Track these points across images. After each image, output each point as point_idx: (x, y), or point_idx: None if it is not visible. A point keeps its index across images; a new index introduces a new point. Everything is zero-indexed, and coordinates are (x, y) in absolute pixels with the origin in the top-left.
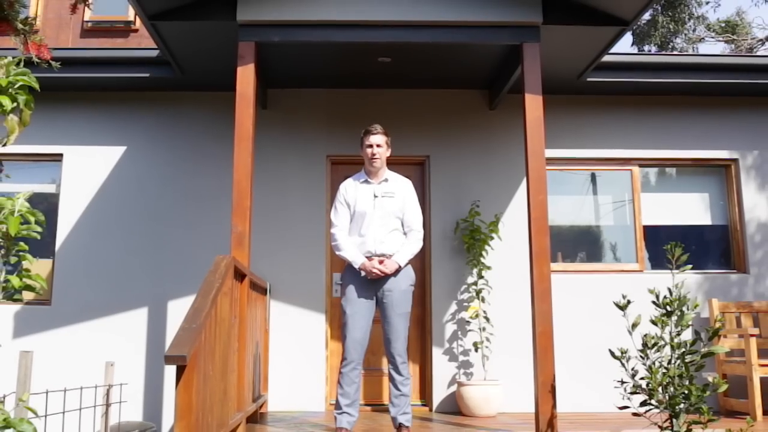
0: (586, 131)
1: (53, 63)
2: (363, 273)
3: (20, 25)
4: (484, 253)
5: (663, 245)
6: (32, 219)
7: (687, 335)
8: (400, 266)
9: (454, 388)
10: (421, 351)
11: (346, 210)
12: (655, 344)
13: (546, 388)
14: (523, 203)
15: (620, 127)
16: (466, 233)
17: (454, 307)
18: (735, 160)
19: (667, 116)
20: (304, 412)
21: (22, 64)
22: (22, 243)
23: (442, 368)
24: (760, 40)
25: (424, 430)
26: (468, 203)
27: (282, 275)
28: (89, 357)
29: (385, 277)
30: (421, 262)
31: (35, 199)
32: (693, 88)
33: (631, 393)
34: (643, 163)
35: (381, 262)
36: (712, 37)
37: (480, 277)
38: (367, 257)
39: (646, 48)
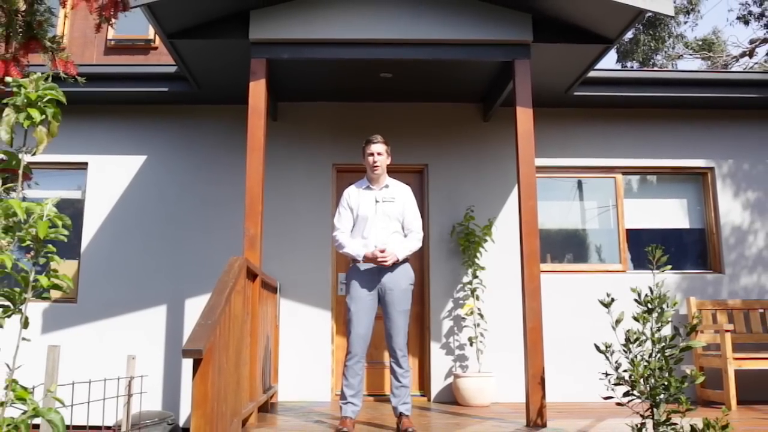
0: (573, 141)
1: (79, 78)
2: (364, 267)
3: (48, 43)
4: (478, 254)
5: (644, 247)
6: (59, 223)
7: (666, 331)
8: (398, 258)
9: (450, 379)
10: (420, 345)
11: (348, 214)
12: (637, 339)
13: (536, 380)
14: (514, 208)
15: (605, 137)
16: (462, 236)
17: (450, 305)
18: (711, 169)
19: (648, 127)
20: (312, 402)
21: (50, 79)
22: (50, 245)
23: (439, 361)
24: (735, 57)
25: (423, 419)
26: (463, 208)
27: (291, 275)
28: (112, 351)
29: (387, 276)
30: (420, 262)
31: (62, 205)
32: (672, 101)
33: (615, 384)
34: (626, 171)
35: (382, 251)
36: (690, 54)
37: (474, 276)
38: (369, 257)
39: (628, 64)
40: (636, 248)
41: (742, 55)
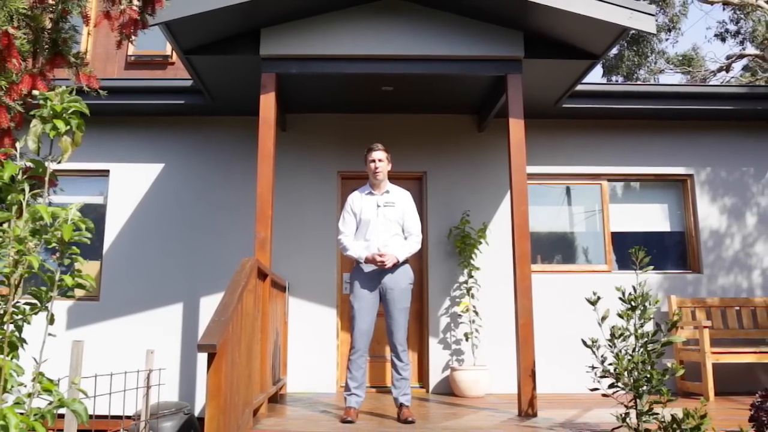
0: (561, 151)
1: (101, 91)
2: (367, 269)
3: (73, 59)
4: (473, 256)
5: (628, 249)
6: (83, 226)
7: (649, 327)
8: (398, 260)
9: (447, 372)
10: (419, 340)
11: (352, 218)
12: (621, 334)
13: (527, 373)
14: (507, 213)
15: (591, 146)
16: (458, 239)
17: (447, 303)
18: (690, 176)
19: (632, 137)
20: (318, 394)
21: (74, 92)
22: (74, 247)
23: (437, 355)
24: (712, 71)
25: (422, 409)
26: (460, 212)
27: (299, 275)
28: (132, 346)
29: (388, 276)
30: (420, 263)
31: (85, 209)
32: (654, 113)
33: (601, 377)
34: (611, 178)
35: (382, 255)
36: (671, 69)
37: (470, 276)
38: (369, 259)
39: (613, 78)
40: (620, 250)
41: (720, 69)
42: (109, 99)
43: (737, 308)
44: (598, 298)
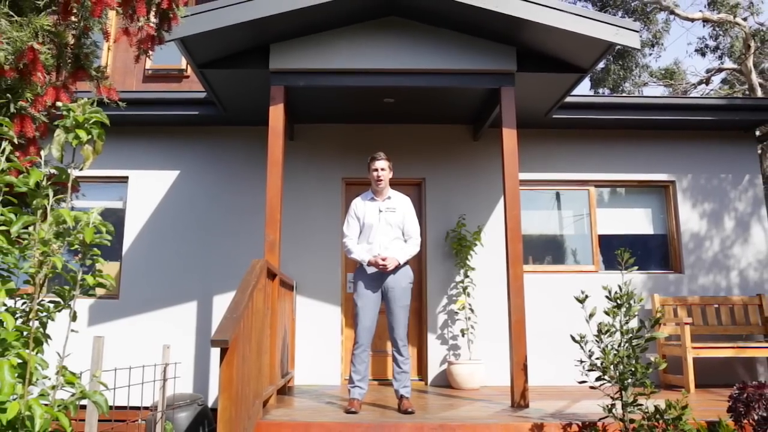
0: (552, 158)
1: (120, 103)
2: (370, 270)
3: (94, 73)
4: (469, 257)
5: (614, 251)
6: (103, 229)
7: (634, 323)
8: (399, 263)
9: (445, 366)
10: (419, 336)
11: (356, 222)
12: (607, 331)
13: (519, 366)
14: (500, 216)
15: (580, 155)
16: (455, 241)
17: (445, 301)
18: (672, 182)
19: (618, 146)
20: (324, 386)
21: (95, 104)
22: (95, 249)
23: (435, 350)
24: (693, 84)
25: (421, 401)
26: (456, 216)
27: (305, 275)
28: (149, 341)
29: (389, 276)
30: (419, 264)
31: (105, 214)
32: (639, 123)
33: (588, 370)
34: (598, 184)
35: (384, 259)
36: (654, 82)
37: (466, 276)
38: (372, 262)
39: (600, 91)
40: (607, 251)
41: (700, 82)
42: (128, 110)
43: (716, 306)
44: (586, 296)
